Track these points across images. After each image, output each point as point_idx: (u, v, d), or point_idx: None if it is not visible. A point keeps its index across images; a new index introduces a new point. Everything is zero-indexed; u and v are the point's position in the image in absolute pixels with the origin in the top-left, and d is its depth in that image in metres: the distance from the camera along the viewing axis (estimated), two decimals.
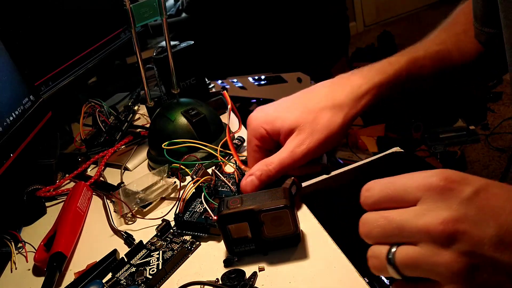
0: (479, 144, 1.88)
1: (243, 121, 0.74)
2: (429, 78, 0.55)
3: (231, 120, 0.79)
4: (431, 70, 0.54)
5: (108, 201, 0.62)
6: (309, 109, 0.49)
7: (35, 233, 0.61)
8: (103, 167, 0.71)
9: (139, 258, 0.48)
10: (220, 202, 0.44)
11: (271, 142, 0.51)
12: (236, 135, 0.70)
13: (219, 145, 0.61)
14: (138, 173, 0.70)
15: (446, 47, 0.56)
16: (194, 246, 0.49)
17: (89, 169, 0.75)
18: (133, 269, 0.47)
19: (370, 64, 0.52)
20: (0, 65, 0.63)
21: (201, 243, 0.49)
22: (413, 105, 1.90)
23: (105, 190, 0.65)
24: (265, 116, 0.51)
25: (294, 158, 0.48)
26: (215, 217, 0.45)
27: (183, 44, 0.78)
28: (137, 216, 0.57)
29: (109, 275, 0.48)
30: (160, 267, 0.46)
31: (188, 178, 0.60)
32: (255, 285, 0.42)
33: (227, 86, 1.61)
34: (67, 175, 0.73)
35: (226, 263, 0.45)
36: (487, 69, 0.62)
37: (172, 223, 0.52)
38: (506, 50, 0.50)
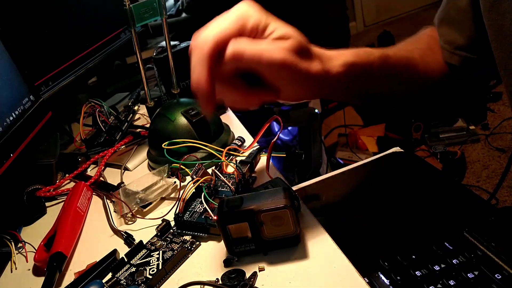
0: (479, 144, 1.88)
1: (249, 128, 0.74)
2: (396, 82, 0.55)
3: (231, 121, 0.79)
4: (399, 73, 0.55)
5: (108, 201, 0.62)
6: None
7: (35, 233, 0.61)
8: (103, 167, 0.71)
9: (139, 258, 0.48)
10: (220, 202, 0.44)
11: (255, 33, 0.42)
12: (236, 135, 0.70)
13: (225, 149, 0.60)
14: (138, 173, 0.70)
15: (413, 55, 0.57)
16: (194, 246, 0.49)
17: (89, 169, 0.75)
18: (133, 269, 0.47)
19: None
20: (0, 65, 0.63)
21: (201, 243, 0.49)
22: (413, 105, 1.90)
23: (105, 190, 0.65)
24: (262, 11, 0.42)
25: (274, 55, 0.40)
26: (215, 217, 0.45)
27: (183, 44, 0.78)
28: (137, 216, 0.57)
29: (109, 275, 0.48)
30: (160, 267, 0.46)
31: (188, 178, 0.60)
32: (255, 285, 0.42)
33: None
34: (67, 175, 0.73)
35: (226, 263, 0.45)
36: (456, 91, 0.63)
37: (172, 223, 0.52)
38: (500, 72, 0.51)
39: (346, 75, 0.47)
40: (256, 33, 0.42)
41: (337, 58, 0.47)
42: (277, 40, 0.41)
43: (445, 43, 0.58)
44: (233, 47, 0.40)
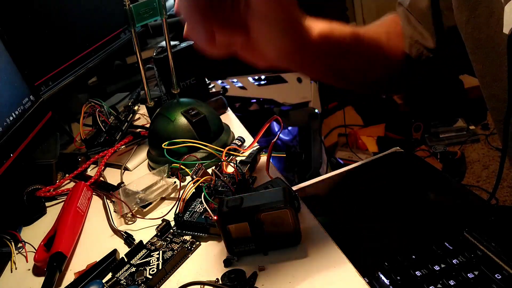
0: (479, 144, 1.88)
1: (249, 128, 0.74)
2: (364, 60, 0.57)
3: (231, 121, 0.79)
4: (367, 52, 0.57)
5: (108, 201, 0.62)
6: None
7: (35, 233, 0.61)
8: (103, 167, 0.71)
9: (139, 258, 0.48)
10: (220, 202, 0.44)
11: None
12: (236, 135, 0.70)
13: (225, 149, 0.60)
14: (138, 173, 0.70)
15: (380, 37, 0.59)
16: (194, 246, 0.49)
17: (89, 169, 0.75)
18: (133, 269, 0.47)
19: None
20: (0, 65, 0.63)
21: (201, 243, 0.49)
22: (413, 105, 1.90)
23: (105, 190, 0.65)
24: None
25: None
26: (215, 217, 0.45)
27: (183, 44, 0.78)
28: (137, 216, 0.57)
29: (109, 275, 0.48)
30: (160, 267, 0.46)
31: (188, 178, 0.60)
32: (255, 285, 0.42)
33: (227, 86, 1.61)
34: (67, 175, 0.73)
35: (226, 263, 0.45)
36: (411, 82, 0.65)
37: (172, 223, 0.52)
38: (479, 84, 0.51)
39: (321, 44, 0.50)
40: None
41: (313, 27, 0.49)
42: None
43: (406, 34, 0.59)
44: None
